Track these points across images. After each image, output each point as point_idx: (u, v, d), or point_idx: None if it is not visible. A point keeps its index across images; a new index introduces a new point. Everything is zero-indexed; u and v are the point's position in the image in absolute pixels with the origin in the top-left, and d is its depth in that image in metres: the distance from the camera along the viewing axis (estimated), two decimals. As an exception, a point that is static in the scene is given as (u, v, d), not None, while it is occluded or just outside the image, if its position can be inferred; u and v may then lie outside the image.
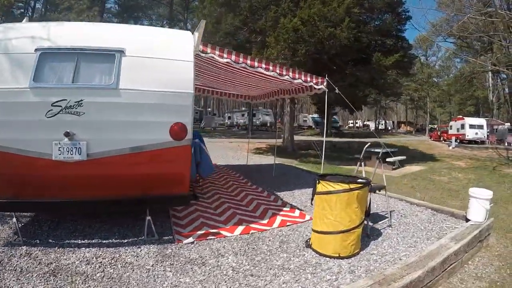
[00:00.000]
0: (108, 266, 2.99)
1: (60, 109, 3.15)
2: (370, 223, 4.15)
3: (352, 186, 3.33)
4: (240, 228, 3.93)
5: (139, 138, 3.31)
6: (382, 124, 55.33)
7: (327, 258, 3.29)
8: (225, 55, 4.66)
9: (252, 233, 3.79)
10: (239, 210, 4.71)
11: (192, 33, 3.94)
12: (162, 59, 3.45)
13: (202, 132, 28.71)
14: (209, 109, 52.10)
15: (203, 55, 4.56)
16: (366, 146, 4.78)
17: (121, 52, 3.35)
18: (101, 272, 2.89)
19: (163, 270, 2.95)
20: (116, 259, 3.13)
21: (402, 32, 14.69)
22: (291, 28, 10.47)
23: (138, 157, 3.32)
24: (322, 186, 3.43)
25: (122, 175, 3.38)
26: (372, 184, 3.71)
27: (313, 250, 3.47)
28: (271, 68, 4.95)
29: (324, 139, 6.18)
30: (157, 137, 3.33)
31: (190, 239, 3.60)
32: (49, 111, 3.13)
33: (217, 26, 13.18)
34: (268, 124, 37.10)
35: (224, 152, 13.54)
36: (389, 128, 55.85)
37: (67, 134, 3.14)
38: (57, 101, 3.14)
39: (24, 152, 3.13)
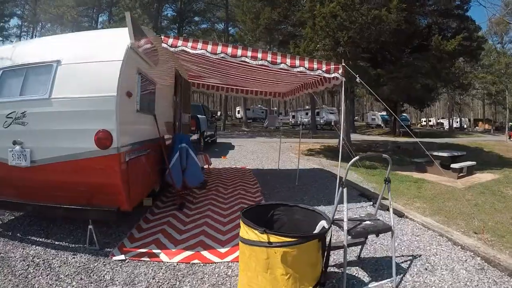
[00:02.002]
0: (33, 266, 2.96)
1: (12, 120, 3.41)
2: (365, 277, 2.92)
3: (275, 239, 2.06)
4: (184, 254, 3.19)
5: (70, 146, 3.26)
6: (457, 122, 48.51)
7: None
8: (199, 46, 4.09)
9: (192, 263, 3.05)
10: (211, 228, 3.96)
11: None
12: (92, 62, 3.37)
13: (264, 132, 28.87)
14: (274, 108, 51.93)
15: (172, 49, 4.11)
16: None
17: (58, 62, 3.45)
18: (23, 270, 2.89)
19: (67, 283, 2.71)
20: (47, 261, 3.07)
21: (465, 11, 12.15)
22: (328, 13, 9.29)
23: (71, 165, 3.27)
24: (242, 228, 2.31)
25: (60, 182, 3.39)
26: (351, 233, 2.60)
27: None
28: (259, 56, 4.20)
29: (343, 137, 5.03)
30: (84, 146, 3.20)
31: (122, 257, 3.15)
32: (5, 122, 3.43)
33: (256, 21, 12.57)
34: (333, 123, 35.19)
35: (270, 153, 12.79)
36: (465, 127, 48.70)
37: (14, 143, 3.37)
38: (9, 113, 3.41)
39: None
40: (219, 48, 4.12)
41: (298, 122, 39.24)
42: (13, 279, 2.73)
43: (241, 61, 4.20)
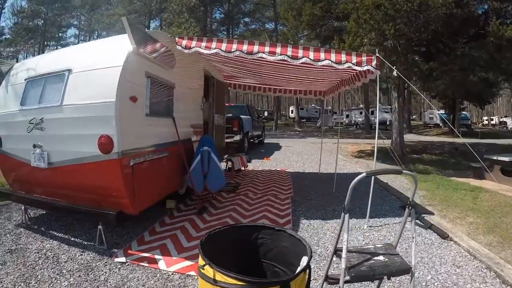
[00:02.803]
0: (43, 259, 3.15)
1: (33, 126, 3.75)
2: None
3: (220, 277, 1.59)
4: (183, 264, 3.03)
5: (78, 150, 3.39)
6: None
7: None
8: (213, 46, 3.92)
9: (188, 275, 2.83)
10: None
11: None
12: (96, 69, 3.45)
13: (317, 132, 28.01)
14: (329, 108, 50.32)
15: (187, 51, 4.02)
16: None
17: (69, 71, 3.62)
18: (34, 261, 3.09)
19: (66, 278, 2.81)
20: (56, 256, 3.24)
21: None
22: (371, 4, 8.51)
23: (80, 168, 3.41)
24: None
25: (74, 184, 3.57)
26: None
27: None
28: (277, 51, 3.89)
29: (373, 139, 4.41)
30: (89, 150, 3.28)
31: (123, 259, 3.16)
32: (28, 127, 3.78)
33: (298, 18, 12.11)
34: (388, 123, 32.91)
35: (316, 155, 12.21)
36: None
37: (34, 146, 3.70)
38: (31, 119, 3.76)
39: (20, 159, 3.92)
40: (234, 46, 3.90)
41: (352, 122, 37.48)
42: (22, 269, 2.95)
43: (259, 57, 3.91)
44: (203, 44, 4.00)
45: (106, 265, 3.05)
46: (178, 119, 4.56)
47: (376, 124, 5.00)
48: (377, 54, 4.13)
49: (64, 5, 34.79)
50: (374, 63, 4.05)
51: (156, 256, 3.21)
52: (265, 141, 17.15)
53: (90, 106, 3.29)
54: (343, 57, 4.00)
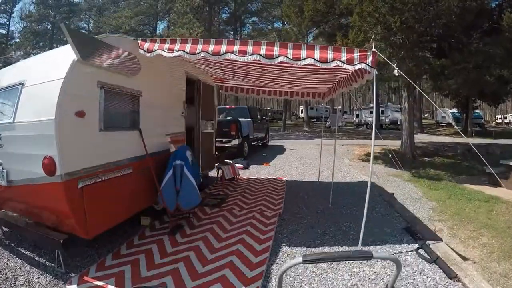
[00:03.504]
0: (2, 279, 3.01)
1: None
2: None
3: None
4: None
5: (30, 170, 3.08)
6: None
7: None
8: (176, 48, 3.39)
9: None
10: (187, 267, 3.17)
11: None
12: (44, 83, 3.07)
13: (325, 132, 27.10)
14: (339, 107, 49.14)
15: (149, 54, 3.51)
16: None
17: (22, 84, 3.31)
18: None
19: None
20: (15, 276, 3.09)
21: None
22: (375, -5, 7.81)
23: (34, 190, 3.14)
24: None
25: (31, 204, 3.42)
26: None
27: None
28: (249, 49, 3.30)
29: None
30: (38, 171, 2.95)
31: (74, 287, 2.86)
32: None
33: (301, 15, 11.45)
34: (399, 122, 31.82)
35: (322, 159, 11.61)
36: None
37: None
38: None
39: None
40: (199, 47, 3.34)
41: (363, 121, 36.49)
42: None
43: (226, 59, 3.35)
44: (166, 46, 3.47)
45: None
46: (147, 130, 4.09)
47: (373, 125, 4.34)
48: (373, 49, 3.45)
49: (71, 8, 34.99)
50: (369, 60, 3.32)
51: (109, 287, 2.83)
52: (269, 144, 16.58)
53: (36, 124, 2.94)
54: (330, 54, 3.33)
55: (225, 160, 9.38)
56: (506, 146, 15.29)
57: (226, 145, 10.80)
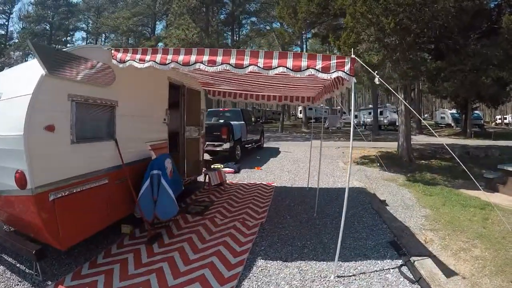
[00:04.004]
0: None
1: None
2: None
3: None
4: None
5: (5, 183, 3.10)
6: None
7: None
8: (147, 58, 3.31)
9: None
10: (160, 280, 3.18)
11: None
12: (15, 97, 3.09)
13: (324, 133, 26.54)
14: (338, 107, 48.97)
15: (121, 65, 3.46)
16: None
17: None
18: None
19: None
20: None
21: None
22: (369, -4, 7.68)
23: (10, 201, 3.22)
24: None
25: (12, 215, 3.48)
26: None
27: None
28: (218, 59, 3.22)
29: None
30: (11, 184, 3.01)
31: None
32: None
33: (294, 16, 11.35)
34: (397, 124, 31.73)
35: (315, 162, 11.54)
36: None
37: None
38: None
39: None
40: (169, 57, 3.26)
41: (361, 122, 36.36)
42: None
43: (196, 69, 3.26)
44: (138, 56, 3.41)
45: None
46: (123, 140, 4.05)
47: (351, 127, 4.24)
48: (352, 55, 3.31)
49: (70, 9, 34.99)
50: (347, 67, 3.14)
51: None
52: (264, 146, 16.48)
53: (8, 139, 2.97)
54: (304, 62, 3.19)
55: (213, 165, 9.33)
56: (505, 148, 15.17)
57: (218, 148, 10.72)
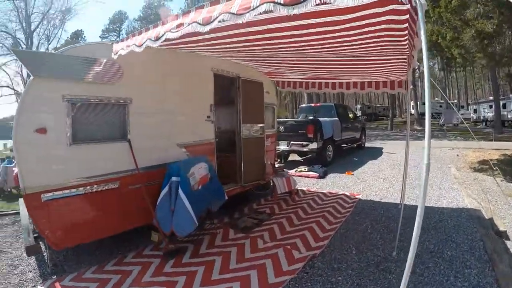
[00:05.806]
0: None
1: None
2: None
3: None
4: None
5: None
6: None
7: None
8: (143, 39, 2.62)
9: None
10: None
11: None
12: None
13: (439, 131, 22.14)
14: (454, 101, 40.66)
15: (116, 56, 3.01)
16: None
17: None
18: None
19: None
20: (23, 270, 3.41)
21: None
22: None
23: None
24: None
25: None
26: None
27: None
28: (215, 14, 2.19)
29: None
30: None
31: None
32: None
33: None
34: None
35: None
36: None
37: None
38: None
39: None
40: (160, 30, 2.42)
41: (481, 118, 29.38)
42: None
43: (188, 33, 2.24)
44: (135, 41, 2.77)
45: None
46: (141, 141, 3.60)
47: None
48: None
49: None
50: None
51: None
52: (366, 145, 14.44)
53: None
54: None
55: (296, 169, 8.31)
56: None
57: (305, 149, 9.59)
